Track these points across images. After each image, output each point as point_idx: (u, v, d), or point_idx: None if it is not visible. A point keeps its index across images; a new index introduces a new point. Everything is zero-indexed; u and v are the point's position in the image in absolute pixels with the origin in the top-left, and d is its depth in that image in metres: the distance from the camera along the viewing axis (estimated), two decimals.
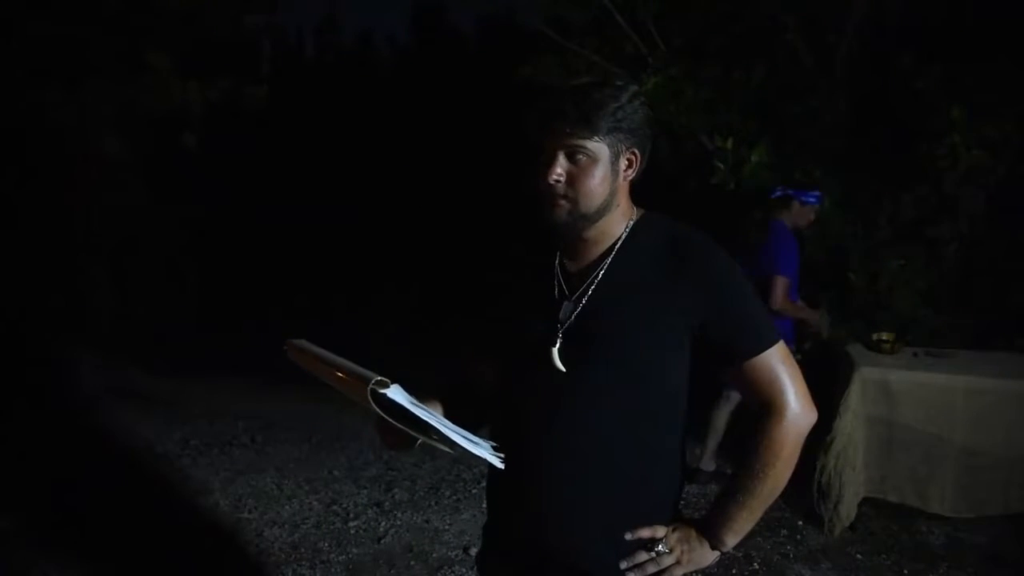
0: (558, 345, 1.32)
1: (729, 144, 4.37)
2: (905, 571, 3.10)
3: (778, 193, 3.68)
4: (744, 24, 4.85)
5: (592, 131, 1.28)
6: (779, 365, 1.31)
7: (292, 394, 4.60)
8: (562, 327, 1.33)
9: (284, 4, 7.97)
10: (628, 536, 1.33)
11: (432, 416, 1.24)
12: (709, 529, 1.35)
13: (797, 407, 1.31)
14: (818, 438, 3.29)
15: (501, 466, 1.32)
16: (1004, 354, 3.63)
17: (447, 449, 1.28)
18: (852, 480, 3.26)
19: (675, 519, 1.39)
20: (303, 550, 3.21)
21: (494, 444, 1.38)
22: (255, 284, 7.30)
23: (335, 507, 3.60)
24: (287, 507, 3.60)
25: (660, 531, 1.34)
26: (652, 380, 1.32)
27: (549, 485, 1.34)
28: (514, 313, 1.41)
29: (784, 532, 3.34)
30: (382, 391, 1.20)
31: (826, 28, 4.70)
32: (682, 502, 1.45)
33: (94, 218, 6.54)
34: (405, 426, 1.23)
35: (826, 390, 3.39)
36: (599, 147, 1.29)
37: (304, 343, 1.37)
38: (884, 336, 3.53)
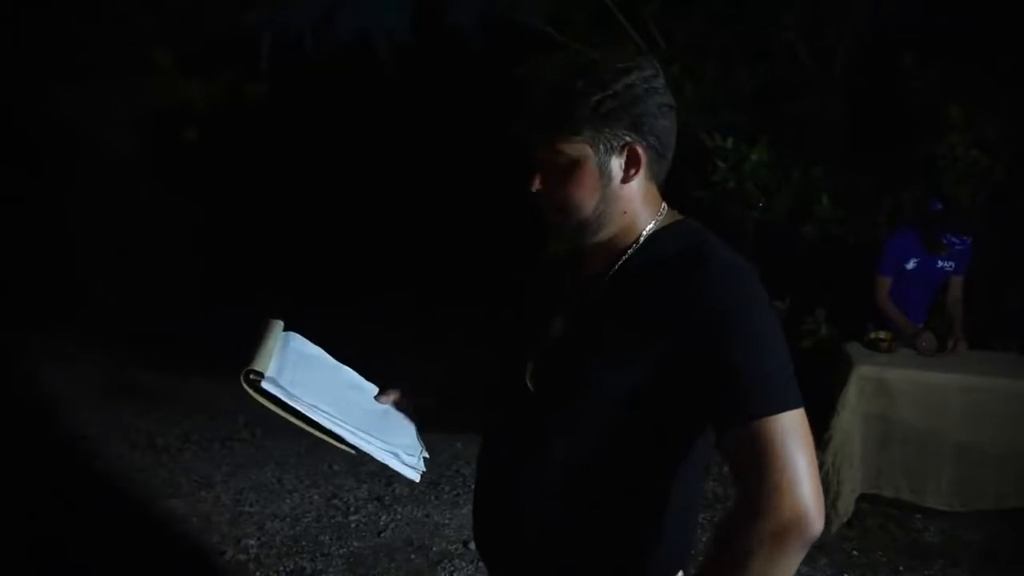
0: (533, 364, 1.16)
1: (729, 143, 4.39)
2: (901, 568, 3.13)
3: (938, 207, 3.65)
4: (744, 23, 4.88)
5: (569, 130, 1.08)
6: (775, 444, 0.95)
7: None
8: (548, 344, 1.16)
9: (284, 1, 7.97)
10: None
11: (317, 410, 1.17)
12: None
13: (785, 511, 0.93)
14: (816, 435, 3.32)
15: (415, 478, 1.23)
16: (998, 353, 3.67)
17: (348, 449, 1.21)
18: (849, 476, 3.29)
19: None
20: (304, 543, 3.24)
21: (426, 455, 1.31)
22: (257, 278, 7.31)
23: (335, 501, 3.63)
24: (288, 501, 3.62)
25: None
26: (627, 418, 1.07)
27: (501, 512, 1.20)
28: (518, 319, 1.29)
29: None
30: (256, 381, 1.14)
31: (826, 27, 4.73)
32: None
33: (97, 213, 6.56)
34: (297, 420, 1.17)
35: (824, 388, 3.42)
36: (580, 148, 1.08)
37: (273, 325, 1.33)
38: (881, 335, 3.55)
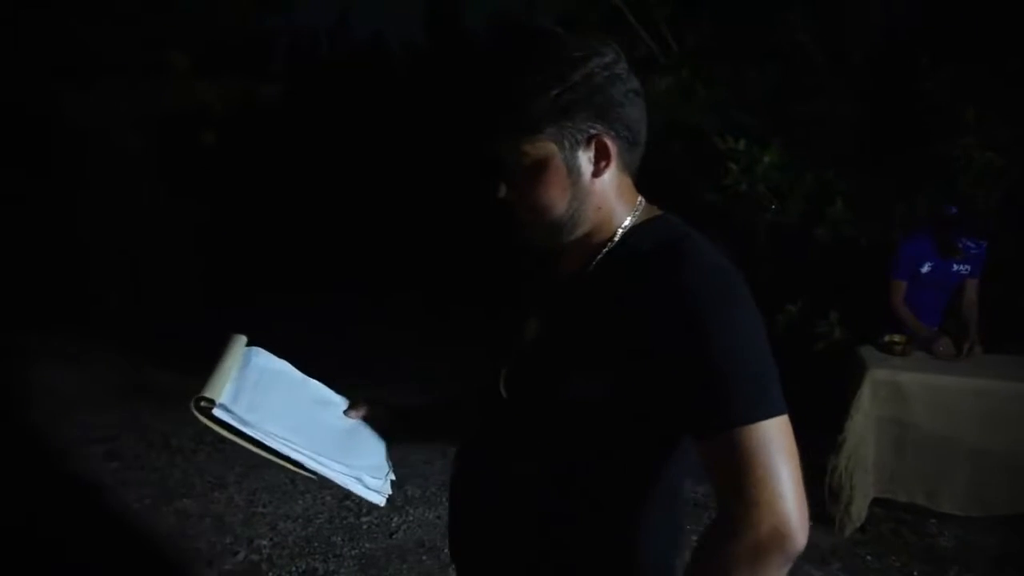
0: (506, 370, 1.11)
1: (741, 145, 4.38)
2: (915, 573, 3.11)
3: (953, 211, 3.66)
4: (756, 24, 4.87)
5: (529, 128, 1.00)
6: (755, 454, 0.89)
7: None
8: (521, 348, 1.11)
9: (298, 4, 8.04)
10: None
11: (274, 437, 1.12)
12: None
13: (765, 525, 0.87)
14: (829, 439, 3.31)
15: (379, 502, 1.20)
16: (1014, 357, 3.64)
17: (308, 474, 1.17)
18: (863, 481, 3.28)
19: None
20: (316, 544, 3.25)
21: (393, 478, 1.26)
22: (269, 279, 7.35)
23: (348, 502, 3.64)
24: (300, 502, 3.64)
25: None
26: (601, 425, 1.01)
27: (470, 519, 1.18)
28: (496, 323, 1.23)
29: None
30: (206, 408, 1.09)
31: (839, 28, 4.71)
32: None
33: (107, 213, 6.62)
34: (253, 446, 1.13)
35: (837, 392, 3.40)
36: (544, 147, 1.01)
37: (235, 340, 1.28)
38: (896, 338, 3.53)
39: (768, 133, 4.50)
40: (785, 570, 0.91)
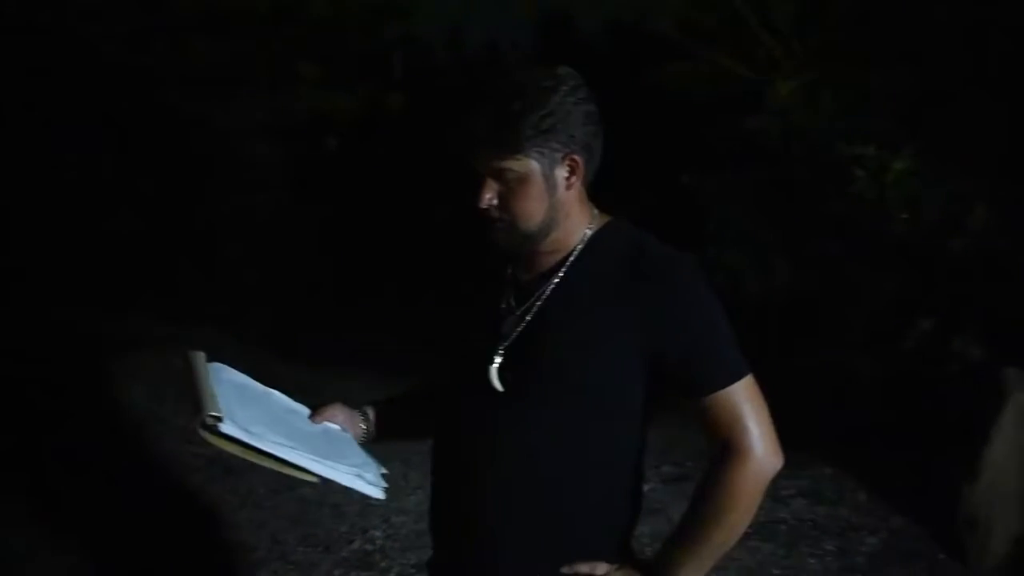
0: (497, 363, 1.22)
1: (871, 150, 4.18)
2: None
3: None
4: (888, 22, 4.64)
5: (513, 149, 1.16)
6: (744, 403, 1.17)
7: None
8: (504, 343, 1.23)
9: (415, 14, 8.28)
10: (565, 570, 1.22)
11: (280, 445, 1.16)
12: (655, 574, 1.22)
13: (761, 451, 1.16)
14: (961, 466, 3.11)
15: (381, 496, 1.27)
16: None
17: (311, 479, 1.20)
18: (1004, 514, 3.06)
19: (623, 556, 1.26)
20: (427, 539, 3.30)
21: (385, 471, 1.33)
22: (387, 281, 7.59)
23: None
24: (412, 497, 3.72)
25: (601, 568, 1.22)
26: (598, 404, 1.19)
27: (478, 510, 1.24)
28: (461, 324, 1.34)
29: (921, 565, 3.15)
30: (213, 425, 1.11)
31: (981, 24, 4.42)
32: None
33: (239, 218, 7.03)
34: (254, 457, 1.15)
35: (974, 416, 3.19)
36: (526, 164, 1.16)
37: (196, 358, 1.28)
38: None
39: (900, 138, 4.28)
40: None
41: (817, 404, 4.33)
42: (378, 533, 3.36)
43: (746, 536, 3.26)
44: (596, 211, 1.28)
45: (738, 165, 5.16)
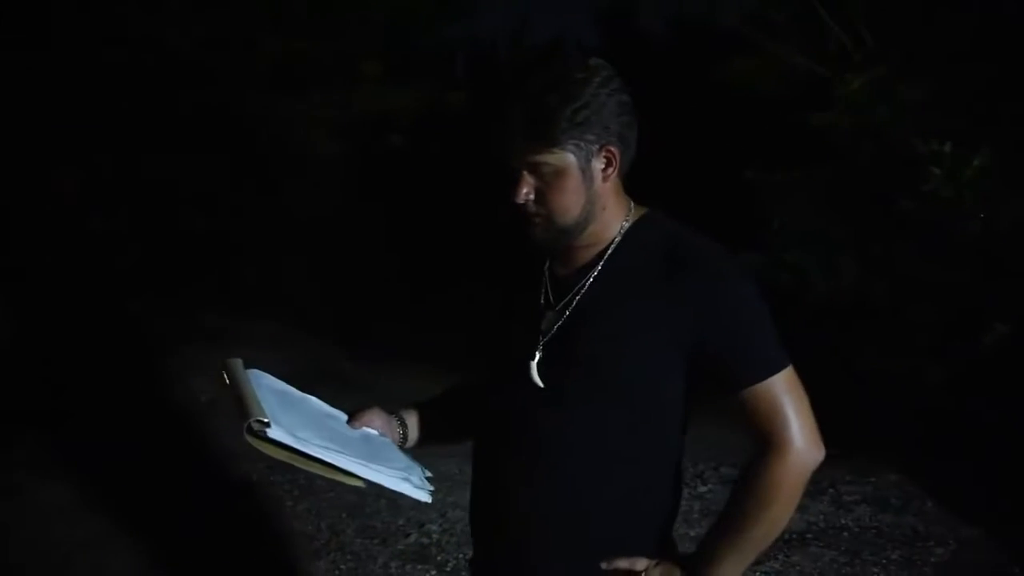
0: (537, 358, 1.22)
1: (947, 148, 4.02)
2: None
3: None
4: (965, 14, 4.46)
5: (550, 143, 1.15)
6: (784, 395, 1.15)
7: None
8: (544, 339, 1.23)
9: (479, 11, 8.32)
10: (604, 566, 1.21)
11: (327, 450, 1.15)
12: (695, 569, 1.21)
13: (802, 444, 1.14)
14: None
15: (427, 500, 1.26)
16: None
17: (357, 483, 1.18)
18: None
19: (663, 549, 1.25)
20: None
21: (429, 475, 1.33)
22: (452, 278, 7.66)
23: None
24: (467, 493, 3.75)
25: (640, 563, 1.21)
26: (638, 399, 1.19)
27: (520, 507, 1.24)
28: (501, 318, 1.34)
29: None
30: (261, 431, 1.09)
31: None
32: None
33: (305, 213, 7.18)
34: (299, 461, 1.14)
35: None
36: (562, 157, 1.16)
37: (235, 365, 1.27)
38: None
39: (978, 135, 4.10)
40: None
41: (883, 409, 4.20)
42: (435, 527, 3.40)
43: (806, 541, 3.23)
44: (632, 203, 1.27)
45: (804, 162, 5.03)
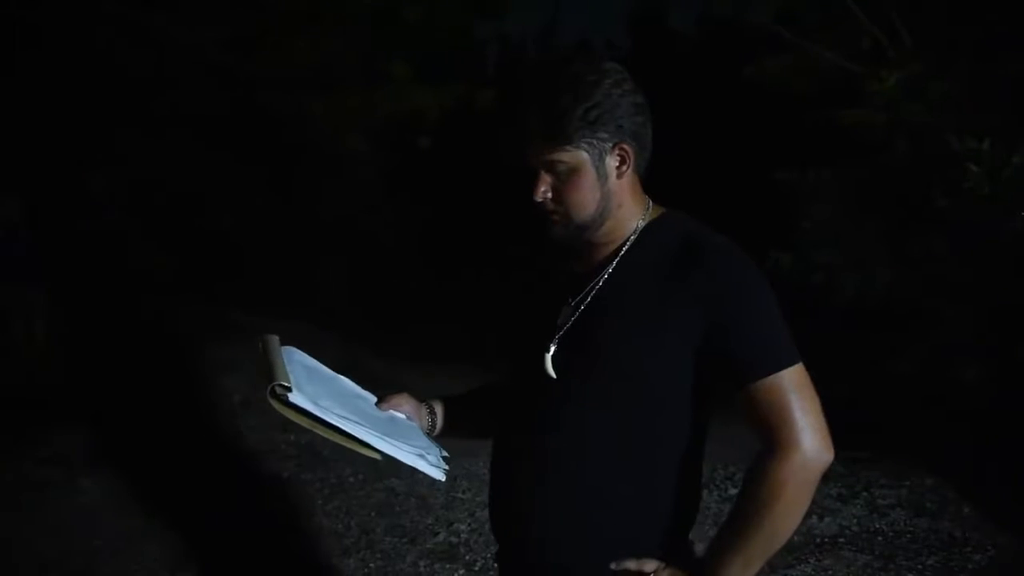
0: (552, 351, 1.25)
1: (986, 145, 3.94)
2: None
3: None
4: (1004, 8, 4.37)
5: (564, 141, 1.19)
6: (791, 393, 1.13)
7: None
8: (559, 332, 1.26)
9: (508, 11, 8.34)
10: (613, 566, 1.21)
11: (346, 420, 1.20)
12: (702, 574, 1.20)
13: (808, 444, 1.12)
14: None
15: (441, 478, 1.30)
16: None
17: (374, 455, 1.23)
18: None
19: (676, 550, 1.25)
20: None
21: (445, 454, 1.36)
22: (482, 278, 7.68)
23: None
24: None
25: (649, 565, 1.20)
26: (651, 394, 1.20)
27: (532, 500, 1.26)
28: (519, 315, 1.37)
29: None
30: (283, 395, 1.16)
31: None
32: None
33: (336, 211, 7.24)
34: (321, 430, 1.20)
35: None
36: (576, 155, 1.20)
37: (271, 340, 1.34)
38: None
39: (1017, 132, 4.02)
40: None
41: (918, 411, 4.13)
42: (463, 526, 3.41)
43: (839, 545, 3.19)
44: (650, 202, 1.30)
45: (835, 161, 4.97)
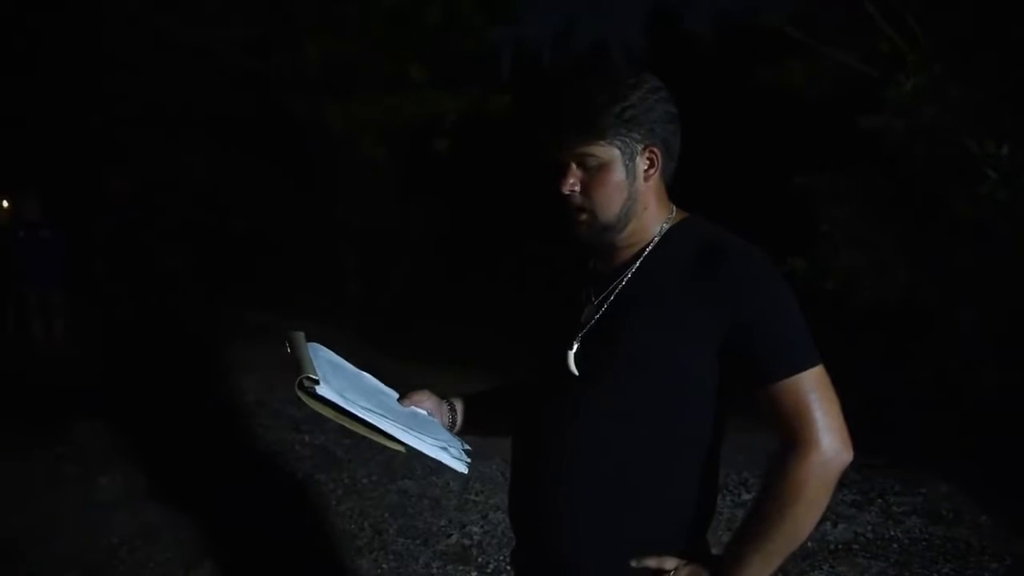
0: (575, 349, 1.26)
1: (1004, 150, 3.91)
2: None
3: None
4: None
5: (597, 135, 1.22)
6: (811, 393, 1.15)
7: None
8: (582, 331, 1.27)
9: (524, 16, 8.36)
10: (633, 564, 1.22)
11: (371, 412, 1.23)
12: (720, 572, 1.20)
13: (827, 444, 1.13)
14: None
15: (464, 471, 1.31)
16: None
17: (398, 448, 1.25)
18: None
19: (695, 548, 1.26)
20: None
21: (467, 448, 1.38)
22: (498, 280, 7.69)
23: None
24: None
25: (669, 563, 1.21)
26: (669, 394, 1.21)
27: (553, 496, 1.26)
28: (542, 313, 1.39)
29: None
30: (311, 387, 1.19)
31: None
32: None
33: (355, 215, 7.28)
34: (347, 422, 1.22)
35: None
36: (608, 151, 1.23)
37: (297, 336, 1.36)
38: None
39: None
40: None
41: (934, 416, 4.09)
42: (476, 528, 3.41)
43: (853, 552, 3.16)
44: (675, 208, 1.32)
45: (853, 165, 4.94)
